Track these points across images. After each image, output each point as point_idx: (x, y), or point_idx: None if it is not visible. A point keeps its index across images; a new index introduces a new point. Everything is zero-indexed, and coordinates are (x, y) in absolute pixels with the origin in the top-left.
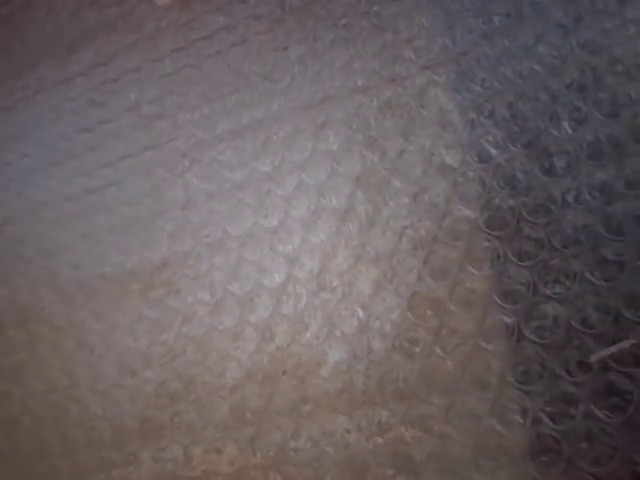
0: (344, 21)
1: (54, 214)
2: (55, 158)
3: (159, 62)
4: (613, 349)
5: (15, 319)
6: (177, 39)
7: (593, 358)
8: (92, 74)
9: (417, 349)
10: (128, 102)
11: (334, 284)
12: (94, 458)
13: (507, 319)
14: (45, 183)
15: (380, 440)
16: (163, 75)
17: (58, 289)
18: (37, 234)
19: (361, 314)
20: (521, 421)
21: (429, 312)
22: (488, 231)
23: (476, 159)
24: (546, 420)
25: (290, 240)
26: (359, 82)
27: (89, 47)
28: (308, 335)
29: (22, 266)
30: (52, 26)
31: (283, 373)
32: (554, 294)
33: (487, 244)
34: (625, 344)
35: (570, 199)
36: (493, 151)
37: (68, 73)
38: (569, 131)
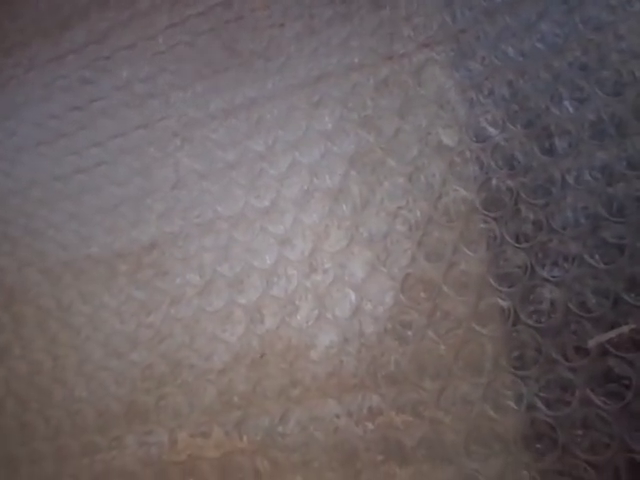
0: None
1: (43, 194)
2: (45, 137)
3: (153, 39)
4: (612, 334)
5: (0, 300)
6: (171, 15)
7: (591, 343)
8: (84, 52)
9: (409, 332)
10: (120, 80)
11: (326, 266)
12: (78, 442)
13: (503, 302)
14: (34, 162)
15: (370, 425)
16: (156, 53)
17: (45, 269)
18: (25, 214)
19: (353, 296)
20: (515, 407)
21: (423, 295)
22: (485, 212)
23: (474, 139)
24: (541, 406)
25: (282, 220)
26: (356, 60)
27: (82, 24)
28: (298, 317)
29: (9, 246)
30: (45, 3)
31: (261, 356)
32: (552, 277)
33: (483, 225)
34: (624, 329)
35: (570, 180)
36: (492, 130)
37: (60, 51)
38: (571, 110)
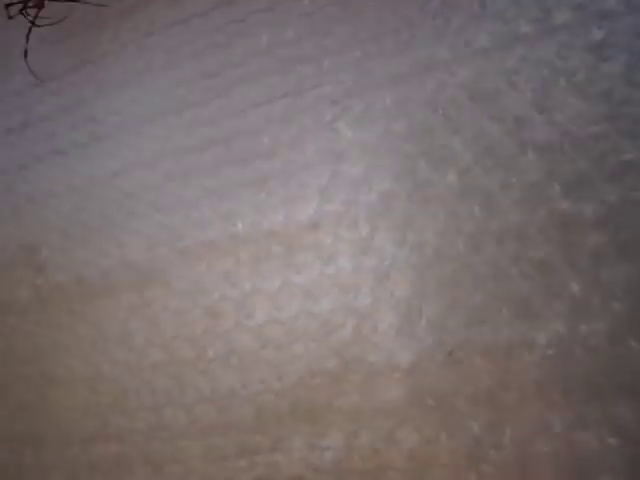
0: None
1: (171, 167)
2: (172, 105)
3: (296, 0)
4: None
5: (129, 281)
6: None
7: None
8: (211, 15)
9: None
10: (260, 44)
11: None
12: (231, 441)
13: None
14: (160, 133)
15: (614, 441)
16: (302, 14)
17: (180, 249)
18: (152, 188)
19: None
20: None
21: None
22: None
23: None
24: None
25: None
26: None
27: None
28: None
29: (136, 223)
30: None
31: (450, 354)
32: None
33: None
34: None
35: None
36: None
37: (184, 14)
38: None
